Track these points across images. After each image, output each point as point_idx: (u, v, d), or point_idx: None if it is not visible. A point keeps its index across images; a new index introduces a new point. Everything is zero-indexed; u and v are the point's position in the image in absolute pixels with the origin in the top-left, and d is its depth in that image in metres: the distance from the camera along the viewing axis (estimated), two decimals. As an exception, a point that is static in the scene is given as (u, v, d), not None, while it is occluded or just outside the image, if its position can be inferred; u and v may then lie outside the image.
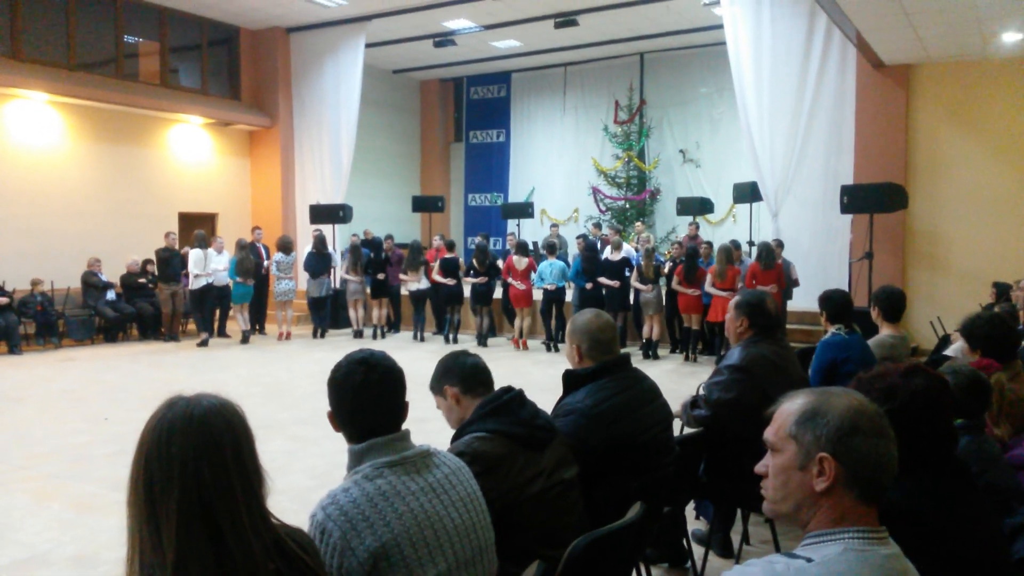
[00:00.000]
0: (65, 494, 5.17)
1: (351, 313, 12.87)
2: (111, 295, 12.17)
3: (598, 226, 14.98)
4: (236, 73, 15.43)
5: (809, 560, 1.40)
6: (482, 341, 12.00)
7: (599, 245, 12.42)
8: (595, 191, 16.91)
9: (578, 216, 17.41)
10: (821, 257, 11.38)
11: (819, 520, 1.45)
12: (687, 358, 10.65)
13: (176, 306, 12.25)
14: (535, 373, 9.73)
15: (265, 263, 13.00)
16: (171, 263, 12.07)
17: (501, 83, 19.00)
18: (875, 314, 4.79)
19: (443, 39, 15.25)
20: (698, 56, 16.24)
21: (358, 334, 12.81)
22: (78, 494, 5.18)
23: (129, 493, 1.45)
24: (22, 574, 3.97)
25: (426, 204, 16.20)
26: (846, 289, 9.34)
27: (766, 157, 11.54)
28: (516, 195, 18.36)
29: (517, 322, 11.82)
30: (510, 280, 11.64)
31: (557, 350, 11.38)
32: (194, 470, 1.41)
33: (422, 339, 12.54)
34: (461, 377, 2.58)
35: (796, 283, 10.64)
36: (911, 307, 5.11)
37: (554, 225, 15.90)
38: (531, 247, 13.58)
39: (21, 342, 11.05)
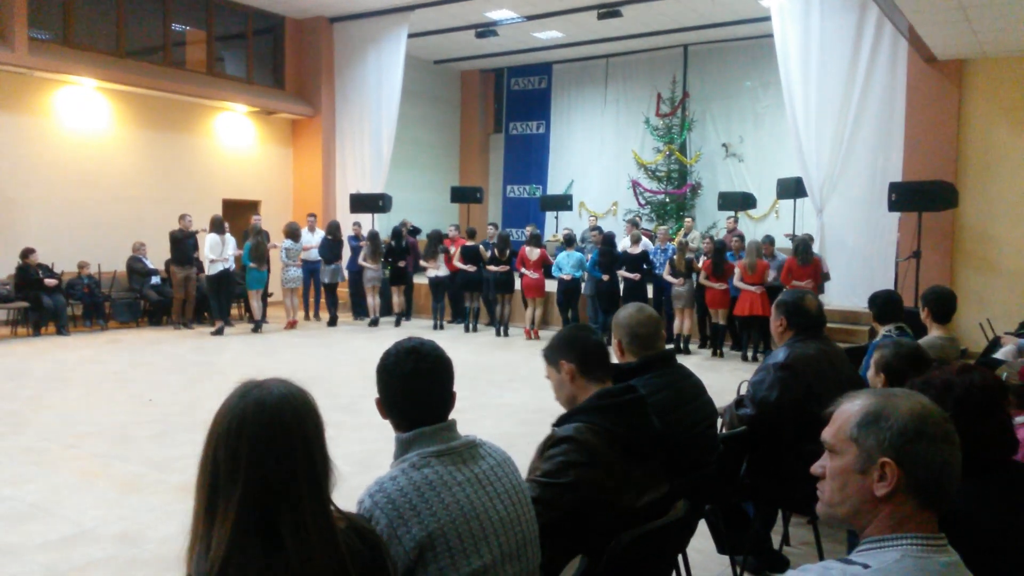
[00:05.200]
0: (110, 473, 5.29)
1: (369, 300, 12.91)
2: (156, 279, 12.39)
3: (639, 217, 14.92)
4: (280, 62, 15.59)
5: (866, 567, 1.36)
6: (502, 330, 12.11)
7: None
8: (635, 184, 16.76)
9: (617, 209, 17.29)
10: (866, 255, 11.14)
11: (877, 525, 1.41)
12: (714, 353, 10.62)
13: (189, 291, 12.01)
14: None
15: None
16: (185, 245, 11.84)
17: (542, 74, 18.92)
18: (924, 315, 4.68)
19: (485, 29, 15.21)
20: (743, 49, 16.00)
21: (374, 322, 12.84)
22: (123, 473, 5.29)
23: (197, 480, 1.44)
24: (69, 550, 4.06)
25: (465, 195, 16.22)
26: (892, 288, 9.16)
27: (812, 152, 11.33)
28: (555, 187, 18.30)
29: (528, 312, 11.96)
30: (523, 270, 11.77)
31: None
32: (262, 464, 1.39)
33: (441, 327, 12.60)
34: (582, 355, 2.48)
35: (827, 276, 10.49)
36: (959, 308, 4.98)
37: (592, 217, 15.83)
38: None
39: (68, 323, 11.32)
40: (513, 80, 19.46)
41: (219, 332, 11.53)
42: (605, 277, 11.07)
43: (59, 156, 12.18)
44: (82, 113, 12.48)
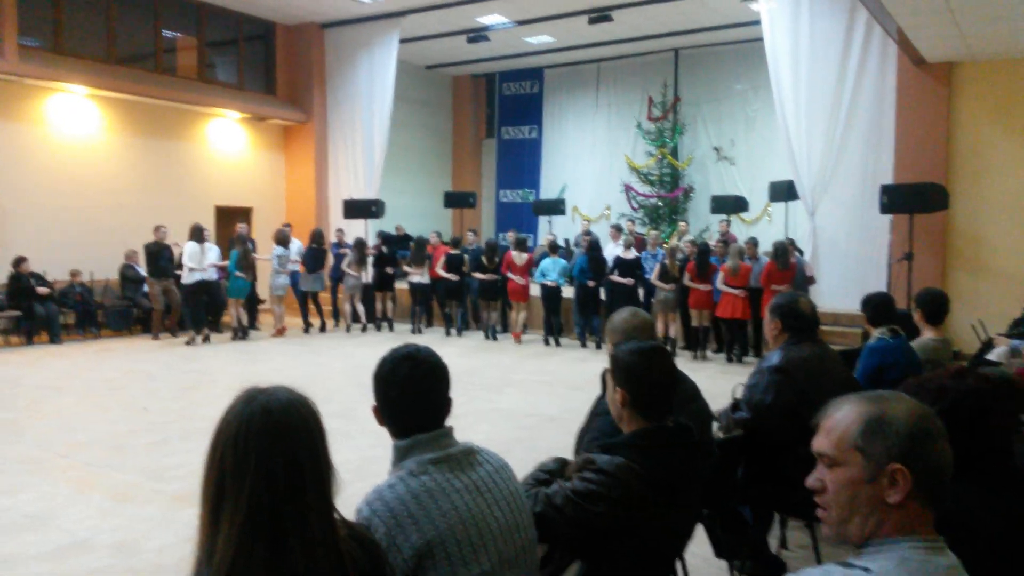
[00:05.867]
0: (105, 483, 5.26)
1: (346, 307, 12.93)
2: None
3: (632, 222, 14.95)
4: (272, 68, 15.57)
5: (867, 570, 1.36)
6: (490, 335, 12.24)
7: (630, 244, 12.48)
8: (627, 188, 16.81)
9: (610, 214, 17.32)
10: (859, 258, 11.19)
11: (884, 531, 1.40)
12: (695, 356, 10.70)
13: (172, 301, 11.77)
14: (563, 371, 9.72)
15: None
16: (160, 257, 11.63)
17: (534, 79, 18.96)
18: (917, 316, 4.69)
19: (476, 35, 15.25)
20: (734, 52, 16.06)
21: (363, 328, 12.90)
22: (118, 483, 5.26)
23: (202, 486, 1.44)
24: (65, 560, 4.04)
25: (458, 200, 16.23)
26: (885, 290, 9.20)
27: (803, 155, 11.38)
28: (548, 192, 18.31)
29: (514, 316, 12.16)
30: (509, 275, 11.90)
31: (559, 344, 11.68)
32: (268, 470, 1.39)
33: (419, 331, 12.76)
34: (636, 390, 2.34)
35: (812, 280, 10.56)
36: (952, 310, 5.00)
37: (585, 221, 15.84)
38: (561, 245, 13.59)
39: (61, 332, 11.26)
40: (505, 85, 19.48)
41: (206, 340, 11.34)
42: (591, 283, 11.23)
43: (50, 164, 12.13)
44: (73, 120, 12.44)
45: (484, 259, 12.13)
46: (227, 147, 14.82)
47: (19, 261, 10.86)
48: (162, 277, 11.67)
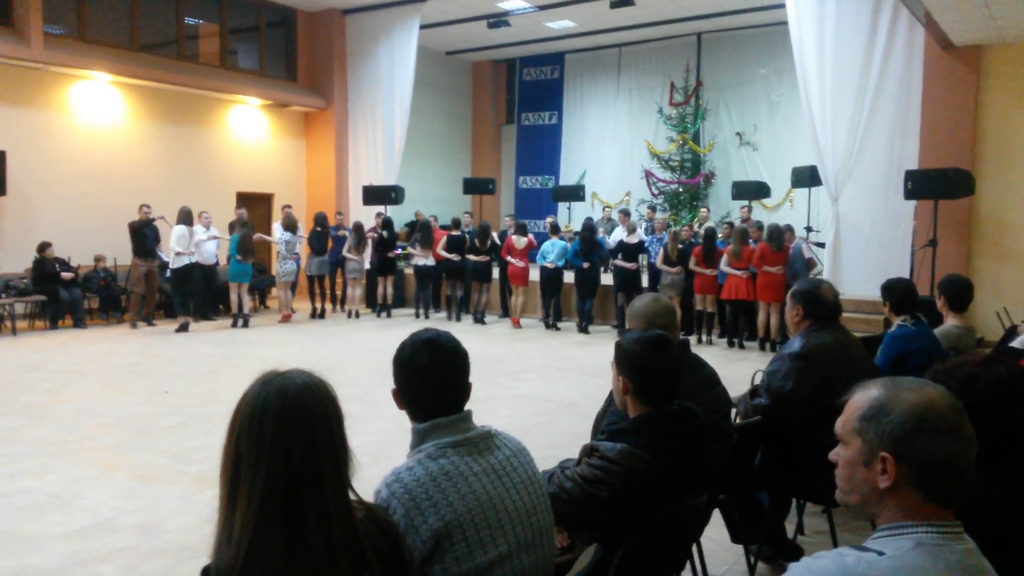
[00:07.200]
0: (129, 464, 5.34)
1: (348, 292, 12.99)
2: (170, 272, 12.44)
3: (653, 209, 14.88)
4: (293, 55, 15.61)
5: (880, 553, 1.36)
6: (479, 318, 12.41)
7: (651, 229, 12.49)
8: (648, 174, 16.70)
9: (630, 199, 17.24)
10: (882, 244, 11.07)
11: (888, 515, 1.42)
12: (700, 340, 10.73)
13: (151, 286, 11.48)
14: (580, 357, 9.72)
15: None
16: (145, 236, 11.30)
17: (554, 64, 18.86)
18: (940, 303, 4.64)
19: (497, 20, 15.19)
20: (757, 36, 15.89)
21: (356, 314, 12.90)
22: (141, 464, 5.34)
23: (220, 468, 1.46)
24: (89, 540, 4.11)
25: (477, 186, 16.21)
26: (908, 277, 9.10)
27: (827, 140, 11.24)
28: (568, 178, 18.26)
29: (512, 300, 12.25)
30: (509, 259, 11.99)
31: (558, 328, 11.84)
32: (285, 451, 1.41)
33: (426, 316, 12.88)
34: (640, 381, 2.36)
35: (812, 263, 10.53)
36: (976, 297, 4.94)
37: (606, 208, 15.78)
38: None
39: (85, 316, 11.41)
40: (525, 70, 19.40)
41: (183, 328, 11.05)
42: (585, 265, 11.35)
43: (75, 150, 12.27)
44: (97, 107, 12.56)
45: (476, 242, 12.30)
46: (248, 133, 14.90)
47: (44, 246, 11.00)
48: (147, 257, 11.34)
